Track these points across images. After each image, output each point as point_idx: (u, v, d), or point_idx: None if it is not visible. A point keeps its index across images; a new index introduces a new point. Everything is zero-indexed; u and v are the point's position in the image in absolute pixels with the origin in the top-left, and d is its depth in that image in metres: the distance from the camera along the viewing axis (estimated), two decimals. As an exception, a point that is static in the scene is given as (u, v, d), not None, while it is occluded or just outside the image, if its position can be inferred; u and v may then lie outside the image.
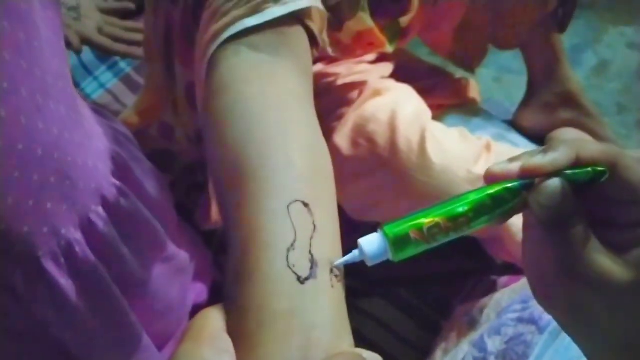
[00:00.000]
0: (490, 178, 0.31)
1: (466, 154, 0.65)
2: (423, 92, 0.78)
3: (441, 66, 0.98)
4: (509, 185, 0.30)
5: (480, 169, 0.63)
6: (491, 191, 0.30)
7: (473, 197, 0.30)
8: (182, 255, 0.58)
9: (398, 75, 0.81)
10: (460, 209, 0.30)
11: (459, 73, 0.98)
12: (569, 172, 0.30)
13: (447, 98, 0.91)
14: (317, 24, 0.45)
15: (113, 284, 0.43)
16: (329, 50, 0.62)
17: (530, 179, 0.30)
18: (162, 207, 0.54)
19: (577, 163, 0.29)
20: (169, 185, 0.78)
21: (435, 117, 0.76)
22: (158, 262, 0.52)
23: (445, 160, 0.63)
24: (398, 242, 0.30)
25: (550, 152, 0.29)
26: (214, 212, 0.68)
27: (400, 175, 0.64)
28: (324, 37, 0.49)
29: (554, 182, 0.29)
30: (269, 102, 0.38)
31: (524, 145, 0.87)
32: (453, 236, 0.31)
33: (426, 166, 0.63)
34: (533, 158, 0.30)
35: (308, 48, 0.44)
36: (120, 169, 0.46)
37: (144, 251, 0.48)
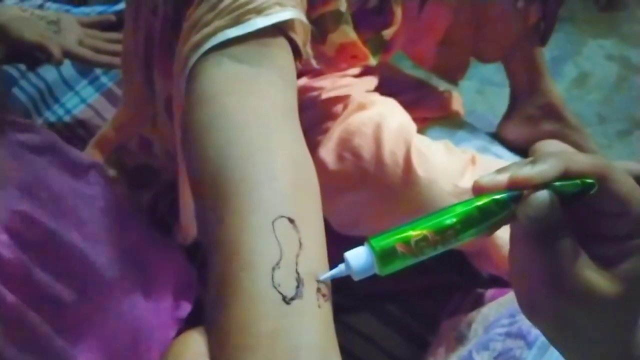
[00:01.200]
0: (478, 189, 0.30)
1: (452, 167, 0.64)
2: (407, 105, 0.78)
3: (424, 78, 0.99)
4: (497, 197, 0.30)
5: (466, 183, 0.63)
6: (479, 203, 0.30)
7: (461, 209, 0.30)
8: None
9: (382, 88, 0.81)
10: (448, 222, 0.30)
11: (442, 85, 0.98)
12: (557, 184, 0.29)
13: (431, 111, 0.91)
14: (301, 36, 0.45)
15: (30, 310, 0.42)
16: (313, 62, 0.62)
17: (518, 190, 0.30)
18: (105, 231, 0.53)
19: (566, 175, 0.29)
20: (151, 200, 0.77)
21: (420, 130, 0.75)
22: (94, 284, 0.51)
23: (431, 174, 0.63)
24: (385, 256, 0.29)
25: (538, 163, 0.29)
26: (184, 226, 0.66)
27: (386, 189, 0.63)
28: (307, 49, 0.48)
29: (543, 194, 0.29)
30: (251, 114, 0.37)
31: (508, 158, 0.87)
32: (441, 249, 0.30)
33: (412, 180, 0.63)
34: (521, 169, 0.29)
35: (291, 60, 0.44)
36: (29, 193, 0.45)
37: (73, 276, 0.47)
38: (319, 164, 0.65)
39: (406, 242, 0.29)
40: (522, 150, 0.93)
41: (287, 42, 0.43)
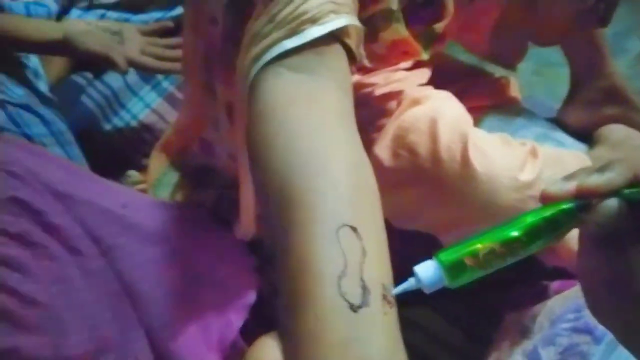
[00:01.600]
0: (546, 198, 0.31)
1: (511, 160, 0.63)
2: (462, 94, 0.77)
3: (478, 64, 0.97)
4: (565, 207, 0.30)
5: (526, 176, 0.62)
6: (547, 214, 0.30)
7: (528, 220, 0.31)
8: None
9: (435, 78, 0.80)
10: (516, 233, 0.30)
11: (498, 71, 0.96)
12: (626, 191, 0.29)
13: (487, 99, 0.89)
14: (354, 40, 0.46)
15: None
16: (365, 62, 0.62)
17: (586, 199, 0.30)
18: None
19: (635, 181, 0.29)
20: (214, 198, 0.80)
21: (476, 119, 0.74)
22: None
23: (489, 168, 0.62)
24: (453, 269, 0.30)
25: (607, 171, 0.29)
26: (245, 224, 0.68)
27: (443, 185, 0.63)
28: (360, 51, 0.49)
29: (612, 203, 0.29)
30: (310, 124, 0.38)
31: (570, 144, 0.85)
32: (509, 261, 0.31)
33: (469, 175, 0.62)
34: (589, 178, 0.29)
35: (346, 65, 0.44)
36: None
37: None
38: (375, 162, 0.66)
39: (474, 255, 0.30)
40: (585, 135, 0.90)
41: (342, 46, 0.44)
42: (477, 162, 0.62)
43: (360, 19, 0.48)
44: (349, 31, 0.44)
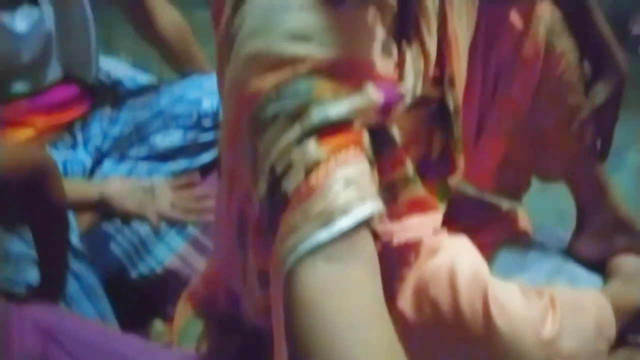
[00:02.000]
0: None
1: (532, 315, 0.65)
2: (473, 230, 0.80)
3: (483, 197, 1.00)
4: None
5: (548, 332, 0.63)
6: None
7: None
8: None
9: (445, 215, 0.83)
10: None
11: (504, 202, 0.99)
12: None
13: (498, 233, 0.93)
14: (377, 220, 0.49)
15: None
16: (386, 224, 0.66)
17: None
18: None
19: None
20: (238, 346, 0.81)
21: (489, 256, 0.77)
22: None
23: (511, 325, 0.63)
24: None
25: None
26: None
27: (468, 340, 0.64)
28: (382, 226, 0.52)
29: None
30: (347, 316, 0.41)
31: (584, 278, 0.87)
32: None
33: (492, 333, 0.64)
34: None
35: (373, 247, 0.48)
36: None
37: None
38: (399, 316, 0.67)
39: None
40: (598, 265, 0.92)
41: (367, 227, 0.48)
42: (499, 318, 0.64)
43: (380, 185, 0.52)
44: (373, 215, 0.48)
